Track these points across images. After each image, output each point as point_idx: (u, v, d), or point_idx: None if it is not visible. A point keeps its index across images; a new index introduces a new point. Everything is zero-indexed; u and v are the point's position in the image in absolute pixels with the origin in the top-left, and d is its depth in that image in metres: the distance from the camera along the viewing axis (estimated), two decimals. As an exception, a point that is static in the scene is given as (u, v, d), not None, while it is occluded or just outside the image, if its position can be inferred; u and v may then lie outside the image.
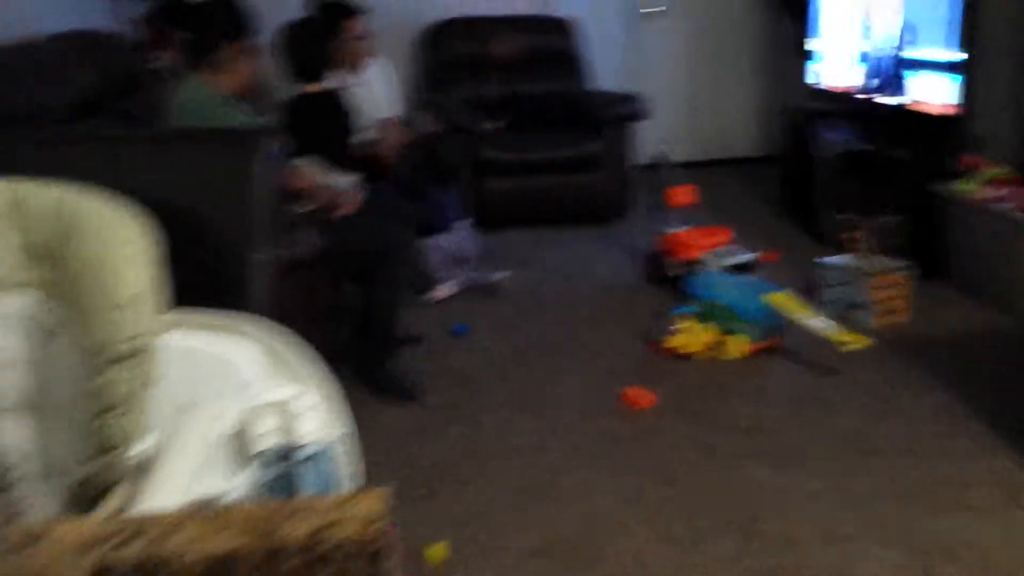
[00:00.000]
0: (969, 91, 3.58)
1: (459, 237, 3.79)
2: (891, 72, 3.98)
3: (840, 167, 4.24)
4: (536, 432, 2.68)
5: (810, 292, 3.57)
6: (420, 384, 2.95)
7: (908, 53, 3.86)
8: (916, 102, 3.84)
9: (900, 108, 3.98)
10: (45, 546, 0.73)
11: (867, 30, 4.12)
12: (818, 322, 3.04)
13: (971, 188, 3.49)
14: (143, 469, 1.15)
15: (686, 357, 3.10)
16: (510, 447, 2.60)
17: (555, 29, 5.28)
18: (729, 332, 3.11)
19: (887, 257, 3.39)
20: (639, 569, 2.06)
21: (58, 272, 1.21)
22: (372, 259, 2.83)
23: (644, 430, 2.67)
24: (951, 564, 2.04)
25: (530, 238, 4.52)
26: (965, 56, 3.55)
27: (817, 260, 3.46)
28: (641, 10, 5.73)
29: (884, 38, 4.02)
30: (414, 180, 3.62)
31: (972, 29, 3.54)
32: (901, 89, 3.93)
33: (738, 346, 3.07)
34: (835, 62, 4.51)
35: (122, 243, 1.21)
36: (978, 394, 2.81)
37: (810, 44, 4.70)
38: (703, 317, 3.16)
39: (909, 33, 3.83)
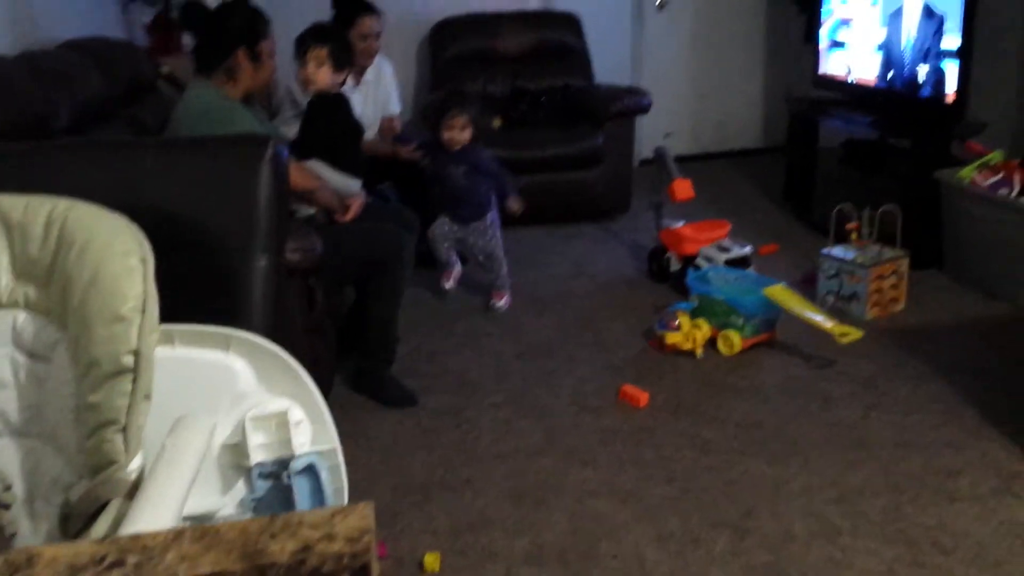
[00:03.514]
0: (966, 77, 3.61)
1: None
2: (902, 60, 3.99)
3: (842, 156, 4.26)
4: (534, 433, 2.70)
5: (808, 283, 3.61)
6: (418, 388, 2.98)
7: (919, 40, 3.87)
8: (921, 89, 3.86)
9: (904, 95, 4.00)
10: (37, 571, 0.77)
11: (882, 18, 4.12)
12: (815, 314, 3.06)
13: (968, 175, 3.50)
14: (139, 484, 1.18)
15: (685, 353, 3.13)
16: (507, 450, 2.62)
17: (561, 23, 5.29)
18: (727, 327, 3.14)
19: (885, 247, 3.42)
20: (634, 569, 2.09)
21: (52, 288, 1.21)
22: (373, 264, 2.85)
23: (642, 428, 2.70)
24: (944, 555, 2.08)
25: (532, 235, 4.54)
26: (963, 43, 3.58)
27: (821, 251, 3.48)
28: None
29: (897, 26, 4.02)
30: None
31: (971, 16, 3.56)
32: (910, 77, 3.95)
33: (735, 341, 3.10)
34: (843, 51, 4.51)
35: (118, 255, 1.19)
36: (972, 383, 2.84)
37: (817, 33, 4.70)
38: (701, 312, 3.20)
39: (922, 20, 3.84)
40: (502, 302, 3.67)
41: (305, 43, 2.97)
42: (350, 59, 3.08)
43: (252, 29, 2.75)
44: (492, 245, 3.63)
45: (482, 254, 3.66)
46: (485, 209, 3.60)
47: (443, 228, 3.63)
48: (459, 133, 3.46)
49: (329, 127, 2.99)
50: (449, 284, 3.67)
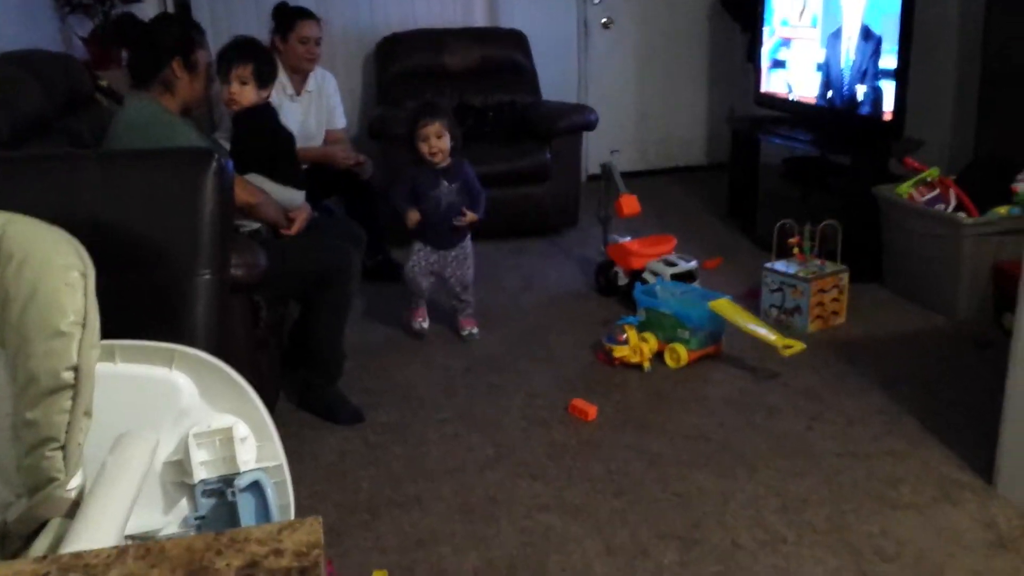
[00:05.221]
0: (903, 97, 3.71)
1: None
2: (841, 80, 4.08)
3: (783, 173, 4.34)
4: (482, 448, 2.70)
5: (752, 297, 3.66)
6: (365, 404, 2.95)
7: (858, 61, 3.96)
8: (860, 108, 3.95)
9: (843, 113, 4.09)
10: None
11: (822, 39, 4.21)
12: (759, 327, 3.10)
13: (906, 191, 3.59)
14: (80, 503, 1.16)
15: (632, 366, 3.15)
16: (456, 465, 2.61)
17: (508, 40, 5.32)
18: (674, 340, 3.17)
19: (826, 261, 3.49)
20: (584, 580, 2.10)
21: None
22: (319, 279, 2.82)
23: (591, 441, 2.71)
24: (888, 563, 2.11)
25: (481, 250, 4.48)
26: (900, 63, 3.68)
27: (764, 265, 3.54)
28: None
29: (836, 46, 4.12)
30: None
31: (907, 38, 3.66)
32: (849, 96, 4.04)
33: (682, 354, 3.13)
34: (784, 71, 4.60)
35: (58, 269, 1.17)
36: (912, 394, 2.90)
37: (758, 52, 4.79)
38: (648, 326, 3.22)
39: (860, 41, 3.93)
40: (476, 329, 3.53)
41: (228, 60, 2.86)
42: (274, 74, 3.01)
43: (186, 39, 2.71)
44: (469, 273, 3.48)
45: (459, 284, 3.48)
46: (467, 230, 3.47)
47: (425, 260, 3.44)
48: (436, 141, 3.25)
49: (259, 139, 2.91)
50: (425, 323, 3.53)
